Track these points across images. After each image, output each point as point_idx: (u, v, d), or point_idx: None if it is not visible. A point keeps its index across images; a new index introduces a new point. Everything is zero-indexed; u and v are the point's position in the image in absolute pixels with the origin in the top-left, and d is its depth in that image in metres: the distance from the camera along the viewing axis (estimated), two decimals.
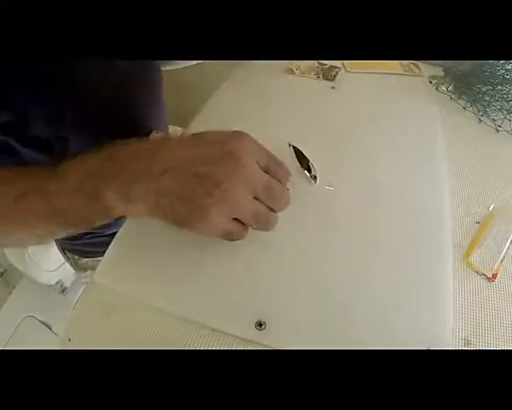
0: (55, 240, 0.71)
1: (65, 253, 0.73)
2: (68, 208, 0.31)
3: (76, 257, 0.72)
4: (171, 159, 0.30)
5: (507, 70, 0.56)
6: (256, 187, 0.31)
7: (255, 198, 0.32)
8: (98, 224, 0.33)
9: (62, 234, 0.37)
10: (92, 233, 0.65)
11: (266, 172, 0.33)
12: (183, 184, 0.29)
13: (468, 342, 0.33)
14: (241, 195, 0.31)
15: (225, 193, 0.29)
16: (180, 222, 0.31)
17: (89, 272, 0.72)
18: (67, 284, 1.21)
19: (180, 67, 0.68)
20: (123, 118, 0.54)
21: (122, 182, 0.30)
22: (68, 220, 0.33)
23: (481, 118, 0.54)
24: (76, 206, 0.31)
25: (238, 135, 0.32)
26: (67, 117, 0.45)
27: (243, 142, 0.32)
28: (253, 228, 0.34)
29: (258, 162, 0.32)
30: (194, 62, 0.69)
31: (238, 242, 0.35)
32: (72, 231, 0.35)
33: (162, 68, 0.65)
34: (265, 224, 0.34)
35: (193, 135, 0.33)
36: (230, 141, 0.32)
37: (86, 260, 0.71)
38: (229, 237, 0.34)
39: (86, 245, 0.67)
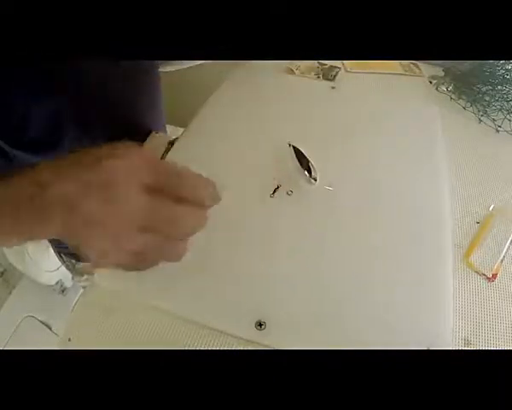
0: (52, 244, 0.71)
1: (61, 256, 0.73)
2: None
3: (73, 261, 0.72)
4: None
5: (507, 70, 0.56)
6: (138, 216, 0.25)
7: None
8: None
9: None
10: None
11: (160, 190, 0.26)
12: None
13: (468, 342, 0.33)
14: (120, 233, 0.25)
15: (102, 235, 0.25)
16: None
17: (86, 276, 0.72)
18: (67, 284, 1.21)
19: (180, 68, 0.68)
20: (122, 118, 0.54)
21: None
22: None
23: (481, 118, 0.54)
24: None
25: (113, 153, 0.26)
26: (66, 117, 0.45)
27: (118, 161, 0.26)
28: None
29: (142, 182, 0.26)
30: (194, 63, 0.69)
31: (238, 242, 0.35)
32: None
33: (162, 70, 0.65)
34: (167, 255, 0.29)
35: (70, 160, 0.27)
36: (102, 163, 0.25)
37: (83, 263, 0.71)
38: (137, 267, 0.29)
39: None
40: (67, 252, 0.71)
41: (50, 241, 0.70)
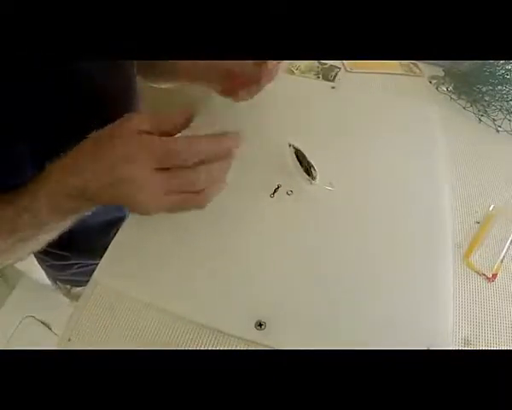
0: (46, 272, 0.71)
1: (56, 283, 0.73)
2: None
3: (68, 286, 0.73)
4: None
5: (507, 70, 0.56)
6: (155, 154, 0.29)
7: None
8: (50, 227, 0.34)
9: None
10: (79, 263, 0.65)
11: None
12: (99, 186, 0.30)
13: (468, 342, 0.33)
14: (142, 166, 0.29)
15: (127, 170, 0.28)
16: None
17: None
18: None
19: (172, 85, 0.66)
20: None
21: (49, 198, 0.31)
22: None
23: (481, 118, 0.54)
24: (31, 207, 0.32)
25: (116, 123, 0.30)
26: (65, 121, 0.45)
27: (119, 121, 0.30)
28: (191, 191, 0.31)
29: (143, 128, 0.30)
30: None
31: (238, 242, 0.35)
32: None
33: (155, 85, 0.63)
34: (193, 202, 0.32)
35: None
36: (108, 130, 0.30)
37: (79, 288, 0.71)
38: (178, 208, 0.32)
39: (76, 275, 0.67)
40: (62, 279, 0.71)
41: (46, 269, 0.70)
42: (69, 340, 0.34)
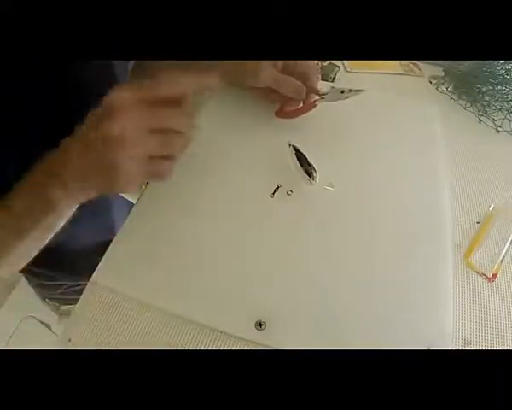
0: (36, 291, 0.71)
1: (45, 301, 0.73)
2: (23, 210, 0.33)
3: (57, 304, 0.73)
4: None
5: (507, 70, 0.56)
6: (147, 121, 0.31)
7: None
8: (45, 224, 0.34)
9: (22, 256, 0.38)
10: (66, 284, 0.65)
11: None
12: (87, 165, 0.31)
13: (468, 342, 0.33)
14: (135, 130, 0.30)
15: (120, 138, 0.30)
16: (105, 191, 0.33)
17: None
18: None
19: None
20: None
21: (60, 179, 0.32)
22: (24, 224, 0.34)
23: (481, 118, 0.54)
24: (28, 206, 0.33)
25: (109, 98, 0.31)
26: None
27: (113, 96, 0.31)
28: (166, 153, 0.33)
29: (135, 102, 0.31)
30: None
31: (238, 242, 0.34)
32: (30, 243, 0.36)
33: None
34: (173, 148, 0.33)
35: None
36: (104, 105, 0.31)
37: (68, 306, 0.72)
38: (157, 176, 0.34)
39: (65, 294, 0.67)
40: (51, 297, 0.71)
41: (36, 288, 0.70)
42: (69, 340, 0.34)
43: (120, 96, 0.30)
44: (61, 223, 0.36)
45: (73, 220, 0.36)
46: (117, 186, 0.32)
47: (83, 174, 0.32)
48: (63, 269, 0.61)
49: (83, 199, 0.34)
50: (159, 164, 0.33)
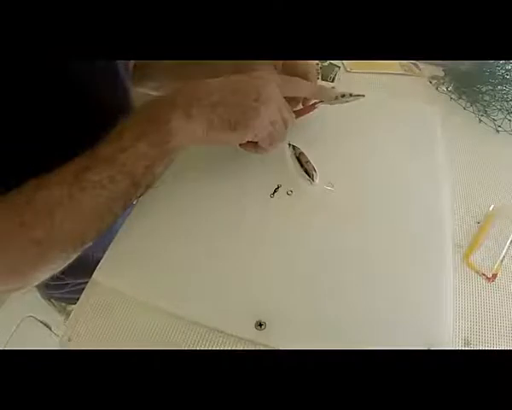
0: (40, 290, 0.71)
1: (51, 301, 0.73)
2: (133, 159, 0.33)
3: (63, 304, 0.72)
4: (213, 86, 0.36)
5: (507, 70, 0.56)
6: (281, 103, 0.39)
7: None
8: (160, 170, 0.36)
9: (121, 211, 0.37)
10: (73, 283, 0.65)
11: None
12: (230, 97, 0.36)
13: (468, 342, 0.33)
14: (276, 102, 0.38)
15: (266, 99, 0.36)
16: (234, 125, 0.36)
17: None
18: None
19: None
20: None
21: (181, 105, 0.34)
22: (135, 174, 0.34)
23: (481, 118, 0.54)
24: (140, 152, 0.33)
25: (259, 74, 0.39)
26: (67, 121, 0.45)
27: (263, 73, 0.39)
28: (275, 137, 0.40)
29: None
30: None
31: (238, 242, 0.34)
32: (131, 199, 0.36)
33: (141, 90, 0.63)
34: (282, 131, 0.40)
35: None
36: (255, 73, 0.39)
37: (73, 306, 0.71)
38: (271, 138, 0.40)
39: (71, 292, 0.67)
40: (57, 297, 0.71)
41: (40, 288, 0.70)
42: (69, 340, 0.34)
43: (272, 84, 0.38)
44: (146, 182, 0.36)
45: None
46: (242, 132, 0.36)
47: (221, 110, 0.35)
48: (70, 270, 0.61)
49: (196, 140, 0.36)
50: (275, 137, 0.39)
